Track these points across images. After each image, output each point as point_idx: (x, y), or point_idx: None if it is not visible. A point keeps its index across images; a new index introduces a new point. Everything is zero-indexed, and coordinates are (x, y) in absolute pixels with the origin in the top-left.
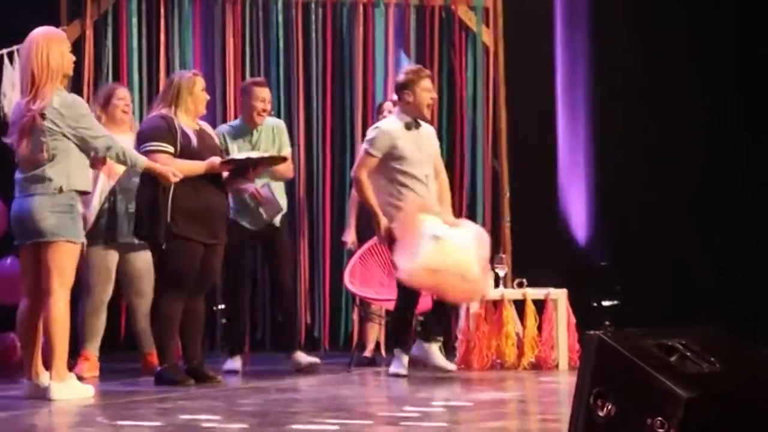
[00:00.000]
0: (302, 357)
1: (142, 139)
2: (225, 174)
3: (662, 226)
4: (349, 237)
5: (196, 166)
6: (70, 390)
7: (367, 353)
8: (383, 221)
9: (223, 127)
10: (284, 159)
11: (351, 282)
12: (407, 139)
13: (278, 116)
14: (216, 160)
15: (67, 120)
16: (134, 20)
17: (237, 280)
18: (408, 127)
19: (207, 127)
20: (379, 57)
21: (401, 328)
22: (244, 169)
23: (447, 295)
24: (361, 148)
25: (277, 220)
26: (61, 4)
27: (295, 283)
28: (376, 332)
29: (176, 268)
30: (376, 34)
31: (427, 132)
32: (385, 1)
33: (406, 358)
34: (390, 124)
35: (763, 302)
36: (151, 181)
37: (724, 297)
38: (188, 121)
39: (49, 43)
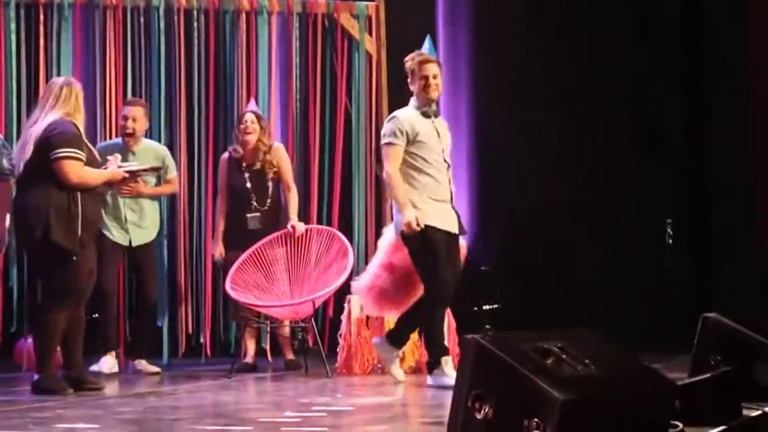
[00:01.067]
0: (146, 365)
1: (56, 143)
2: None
3: (544, 230)
4: (217, 249)
5: (103, 175)
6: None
7: (248, 359)
8: (411, 214)
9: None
10: (161, 169)
11: (233, 288)
12: (424, 125)
13: (157, 124)
14: (118, 170)
15: None
16: (12, 26)
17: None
18: (425, 115)
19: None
20: (262, 65)
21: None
22: (134, 178)
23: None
24: (382, 143)
25: (144, 234)
26: None
27: (156, 295)
28: (255, 338)
29: (79, 281)
30: (259, 42)
31: (442, 122)
32: (268, 8)
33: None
34: (406, 112)
35: (643, 306)
36: (57, 188)
37: (606, 302)
38: (82, 129)
39: None
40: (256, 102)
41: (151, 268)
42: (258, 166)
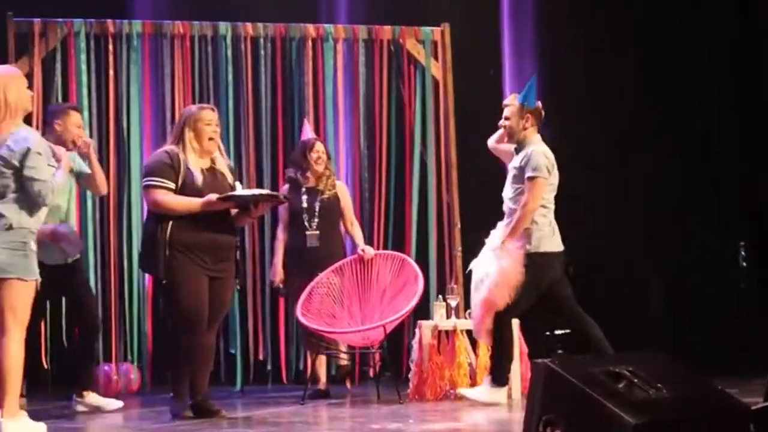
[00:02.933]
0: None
1: (144, 174)
2: (234, 210)
3: (613, 254)
4: (277, 276)
5: (194, 203)
6: (22, 428)
7: (321, 385)
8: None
9: None
10: (283, 196)
11: (303, 315)
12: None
13: (227, 150)
14: (213, 196)
15: (16, 155)
16: (83, 57)
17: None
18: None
19: (223, 164)
20: (329, 92)
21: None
22: (245, 205)
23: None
24: (527, 176)
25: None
26: (9, 40)
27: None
28: (324, 365)
29: (180, 301)
30: (325, 69)
31: None
32: (334, 35)
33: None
34: (543, 146)
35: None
36: (151, 217)
37: (674, 324)
38: (195, 157)
39: (6, 81)
40: (325, 129)
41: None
42: (320, 187)
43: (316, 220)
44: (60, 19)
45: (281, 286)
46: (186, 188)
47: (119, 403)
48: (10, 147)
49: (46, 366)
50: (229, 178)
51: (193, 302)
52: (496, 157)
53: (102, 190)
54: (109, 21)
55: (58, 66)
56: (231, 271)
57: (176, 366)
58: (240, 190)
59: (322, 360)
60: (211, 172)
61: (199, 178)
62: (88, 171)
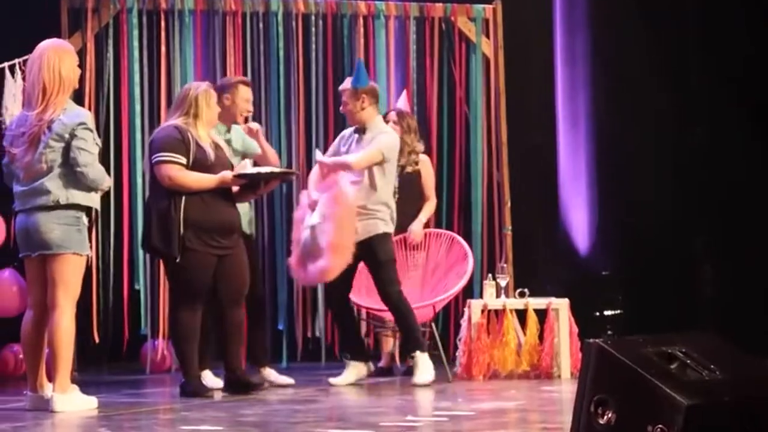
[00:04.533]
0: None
1: (154, 149)
2: (235, 188)
3: (665, 233)
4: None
5: (208, 180)
6: (74, 402)
7: (383, 363)
8: None
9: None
10: (294, 174)
11: (355, 293)
12: None
13: (278, 128)
14: (228, 174)
15: (68, 128)
16: (135, 33)
17: None
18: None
19: (219, 139)
20: (380, 69)
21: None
22: (255, 183)
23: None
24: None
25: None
26: (62, 16)
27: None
28: (389, 343)
29: (189, 281)
30: (376, 46)
31: None
32: (386, 12)
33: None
34: (386, 128)
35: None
36: (162, 192)
37: (728, 305)
38: (204, 133)
39: (61, 55)
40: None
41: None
42: (401, 162)
43: (396, 194)
44: None
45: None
46: (197, 164)
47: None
48: (62, 121)
49: (96, 340)
50: (226, 150)
51: (200, 282)
52: (547, 135)
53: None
54: None
55: (110, 42)
56: (240, 246)
57: (182, 345)
58: (250, 168)
59: (384, 338)
60: (216, 146)
61: (211, 154)
62: (258, 151)
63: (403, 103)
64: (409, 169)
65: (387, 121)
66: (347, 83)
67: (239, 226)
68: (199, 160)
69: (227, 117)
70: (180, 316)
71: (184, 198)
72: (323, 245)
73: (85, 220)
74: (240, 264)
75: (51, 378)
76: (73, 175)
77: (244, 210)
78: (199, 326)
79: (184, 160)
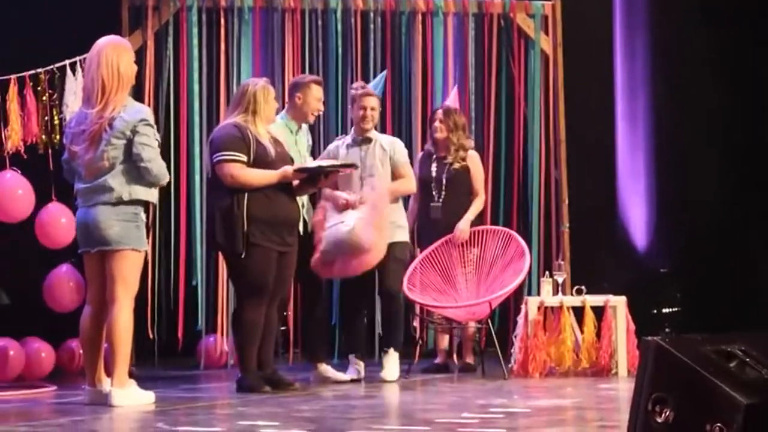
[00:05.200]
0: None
1: (214, 148)
2: (295, 182)
3: (724, 231)
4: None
5: (270, 176)
6: (131, 396)
7: (439, 360)
8: None
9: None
10: (354, 166)
11: (410, 289)
12: None
13: (335, 125)
14: (289, 169)
15: (130, 125)
16: (195, 30)
17: None
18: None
19: (277, 134)
20: (438, 66)
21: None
22: (316, 177)
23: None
24: (405, 161)
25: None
26: (123, 14)
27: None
28: (445, 339)
29: (255, 277)
30: (435, 43)
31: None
32: (444, 9)
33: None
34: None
35: None
36: (224, 190)
37: None
38: (263, 130)
39: (119, 52)
40: (432, 103)
41: None
42: (449, 160)
43: (444, 191)
44: None
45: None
46: (258, 161)
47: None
48: (124, 118)
49: (151, 336)
50: (292, 150)
51: (263, 279)
52: (606, 132)
53: None
54: None
55: (171, 40)
56: (296, 245)
57: (244, 342)
58: (311, 161)
59: (440, 335)
60: (275, 142)
61: (272, 151)
62: None
63: (452, 100)
64: (456, 165)
65: (434, 120)
66: (371, 90)
67: (298, 222)
68: (260, 157)
69: (299, 116)
70: (244, 313)
71: (246, 194)
72: (366, 244)
73: (143, 215)
74: (292, 266)
75: (109, 373)
76: (135, 171)
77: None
78: (262, 323)
79: (245, 158)
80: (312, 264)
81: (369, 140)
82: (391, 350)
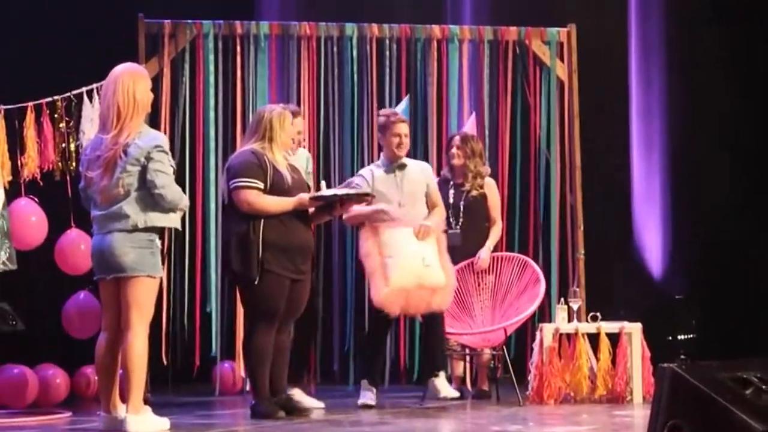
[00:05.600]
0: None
1: (231, 174)
2: (311, 209)
3: (740, 257)
4: None
5: (285, 203)
6: (146, 422)
7: (454, 386)
8: None
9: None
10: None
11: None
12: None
13: (351, 152)
14: (305, 196)
15: (144, 152)
16: (211, 57)
17: None
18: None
19: (295, 161)
20: (453, 92)
21: (370, 358)
22: (331, 204)
23: (419, 310)
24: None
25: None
26: (139, 41)
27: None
28: (460, 366)
29: (267, 303)
30: (450, 70)
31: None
32: (459, 36)
33: (372, 390)
34: None
35: None
36: (240, 216)
37: None
38: (279, 157)
39: (135, 79)
40: (447, 129)
41: None
42: (467, 187)
43: (461, 218)
44: (189, 21)
45: None
46: (275, 188)
47: (320, 404)
48: (138, 145)
49: (165, 362)
50: (302, 173)
51: (275, 305)
52: (621, 159)
53: None
54: (237, 22)
55: (187, 67)
56: (309, 273)
57: (254, 367)
58: (326, 190)
59: (455, 361)
60: (292, 169)
61: (288, 178)
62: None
63: (470, 126)
64: (474, 192)
65: (451, 146)
66: (403, 116)
67: (313, 249)
68: (277, 184)
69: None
70: (255, 338)
71: (262, 220)
72: (440, 283)
73: (158, 242)
74: (305, 294)
75: (124, 399)
76: (150, 198)
77: None
78: (272, 348)
79: (261, 185)
80: (382, 299)
81: (403, 166)
82: (442, 372)
